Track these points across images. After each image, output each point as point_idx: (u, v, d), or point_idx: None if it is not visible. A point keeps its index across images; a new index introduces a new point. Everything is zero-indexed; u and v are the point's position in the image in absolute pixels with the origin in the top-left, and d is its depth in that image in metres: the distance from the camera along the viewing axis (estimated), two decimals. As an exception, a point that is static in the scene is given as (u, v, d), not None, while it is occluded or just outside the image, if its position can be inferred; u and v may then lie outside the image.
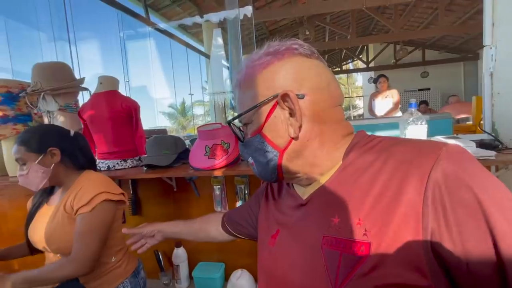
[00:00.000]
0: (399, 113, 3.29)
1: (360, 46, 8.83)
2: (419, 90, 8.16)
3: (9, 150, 1.25)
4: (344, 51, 9.06)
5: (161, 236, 0.84)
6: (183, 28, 5.02)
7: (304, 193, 0.48)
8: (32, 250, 0.95)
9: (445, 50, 8.04)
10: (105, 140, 1.22)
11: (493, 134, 0.97)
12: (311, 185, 0.48)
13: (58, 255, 0.89)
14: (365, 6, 3.97)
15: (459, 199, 0.32)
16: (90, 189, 0.86)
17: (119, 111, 1.20)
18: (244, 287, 1.24)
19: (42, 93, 1.18)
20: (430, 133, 0.94)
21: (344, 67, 10.68)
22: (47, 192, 0.95)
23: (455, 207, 0.32)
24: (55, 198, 0.93)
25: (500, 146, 0.88)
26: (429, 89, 8.17)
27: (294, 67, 0.45)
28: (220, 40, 3.47)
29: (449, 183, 0.33)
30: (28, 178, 0.85)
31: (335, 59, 9.88)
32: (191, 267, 1.36)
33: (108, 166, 1.23)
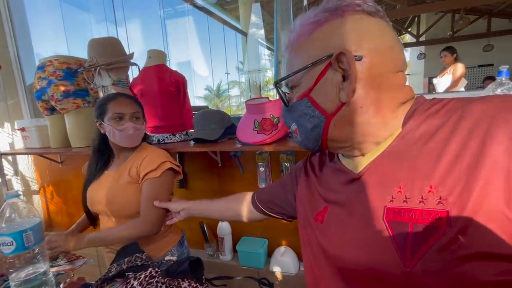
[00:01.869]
0: (462, 89, 2.84)
1: (411, 17, 7.90)
2: (479, 66, 7.17)
3: (72, 122, 1.36)
4: (391, 24, 8.19)
5: (185, 213, 0.88)
6: (220, 5, 4.92)
7: (357, 166, 0.45)
8: (88, 213, 1.03)
9: (517, 18, 6.84)
10: (155, 114, 1.24)
11: None
12: (365, 156, 0.44)
13: (113, 218, 0.95)
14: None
15: None
16: (157, 157, 0.93)
17: (167, 85, 1.20)
18: (288, 263, 1.23)
19: (98, 68, 1.23)
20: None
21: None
22: (104, 160, 1.01)
23: None
24: (114, 165, 0.99)
25: None
26: (492, 65, 7.12)
27: (354, 26, 0.40)
28: (258, 16, 3.33)
29: None
30: (140, 132, 0.94)
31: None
32: (234, 241, 1.39)
33: (159, 140, 1.26)
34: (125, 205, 0.91)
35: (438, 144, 0.35)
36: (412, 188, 0.36)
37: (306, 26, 0.44)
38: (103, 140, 0.97)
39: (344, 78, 0.40)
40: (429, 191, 0.34)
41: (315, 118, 0.43)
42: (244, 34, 4.54)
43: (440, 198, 0.33)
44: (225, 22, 5.09)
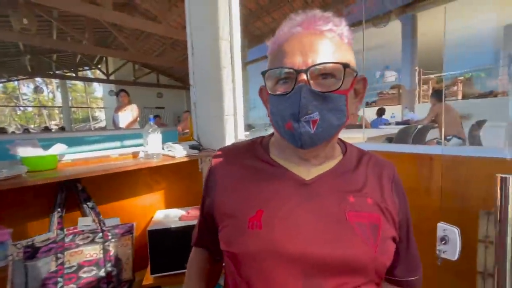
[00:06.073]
0: (138, 126, 3.57)
1: (99, 56, 8.41)
2: (156, 107, 9.46)
3: None
4: (79, 56, 8.14)
5: None
6: None
7: (310, 173, 0.49)
8: None
9: (173, 78, 10.05)
10: None
11: (198, 140, 1.56)
12: (317, 166, 0.50)
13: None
14: (102, 18, 3.97)
15: (404, 193, 0.53)
16: None
17: None
18: None
19: None
20: (164, 140, 1.31)
21: (80, 74, 9.52)
22: None
23: (402, 197, 0.51)
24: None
25: (200, 148, 1.45)
26: (164, 107, 9.72)
27: None
28: None
29: (399, 182, 0.53)
30: None
31: (68, 62, 8.52)
32: None
33: None
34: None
35: (361, 172, 0.50)
36: (360, 199, 0.46)
37: (349, 33, 0.46)
38: None
39: (356, 94, 0.49)
40: (369, 201, 0.46)
41: (343, 117, 0.45)
42: None
43: (375, 205, 0.46)
44: None
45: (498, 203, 0.49)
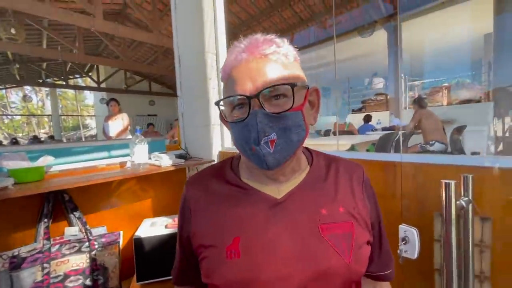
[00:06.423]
0: (129, 135, 3.58)
1: (90, 63, 8.38)
2: (148, 115, 9.44)
3: None
4: (70, 64, 8.11)
5: None
6: None
7: (280, 191, 0.49)
8: None
9: (166, 86, 10.07)
10: None
11: (185, 150, 1.60)
12: (286, 183, 0.50)
13: None
14: (93, 28, 4.01)
15: (373, 193, 0.54)
16: None
17: None
18: None
19: None
20: (151, 150, 1.35)
21: (71, 82, 9.46)
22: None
23: (372, 197, 0.53)
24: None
25: (188, 156, 1.49)
26: (156, 115, 9.70)
27: None
28: None
29: (368, 183, 0.54)
30: None
31: (58, 70, 8.46)
32: None
33: None
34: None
35: (331, 180, 0.51)
36: (332, 209, 0.47)
37: (293, 51, 0.48)
38: None
39: (311, 106, 0.51)
40: (341, 210, 0.48)
41: (302, 132, 0.46)
42: None
43: (347, 213, 0.47)
44: None
45: (443, 205, 0.55)
